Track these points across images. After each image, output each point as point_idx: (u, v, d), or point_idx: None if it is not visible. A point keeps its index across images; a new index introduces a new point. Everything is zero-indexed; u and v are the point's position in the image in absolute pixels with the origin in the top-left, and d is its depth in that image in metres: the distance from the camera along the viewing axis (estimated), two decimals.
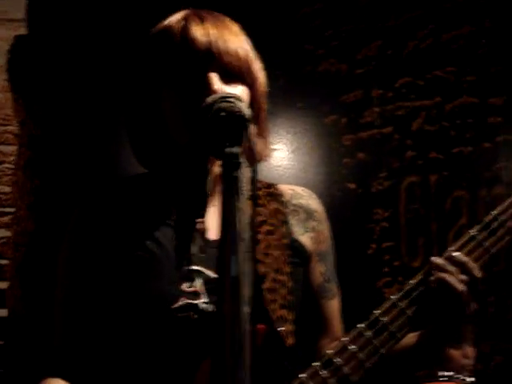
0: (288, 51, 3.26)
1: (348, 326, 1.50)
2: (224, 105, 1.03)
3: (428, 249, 2.98)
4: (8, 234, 3.92)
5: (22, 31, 3.81)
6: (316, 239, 1.42)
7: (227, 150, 0.98)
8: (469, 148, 2.87)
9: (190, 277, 1.22)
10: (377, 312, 1.25)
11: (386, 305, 1.25)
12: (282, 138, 3.21)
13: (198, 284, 1.22)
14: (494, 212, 1.28)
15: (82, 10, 3.35)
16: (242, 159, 0.97)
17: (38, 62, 3.49)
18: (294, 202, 1.42)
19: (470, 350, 2.01)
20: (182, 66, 1.26)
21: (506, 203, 1.28)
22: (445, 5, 2.95)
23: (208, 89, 1.21)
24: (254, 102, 1.30)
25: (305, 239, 1.40)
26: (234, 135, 1.00)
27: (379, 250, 3.00)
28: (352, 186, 3.11)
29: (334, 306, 1.46)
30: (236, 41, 1.30)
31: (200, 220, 1.22)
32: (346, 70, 3.21)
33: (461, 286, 1.22)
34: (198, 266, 1.23)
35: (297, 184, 3.04)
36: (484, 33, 2.86)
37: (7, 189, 3.66)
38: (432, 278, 1.24)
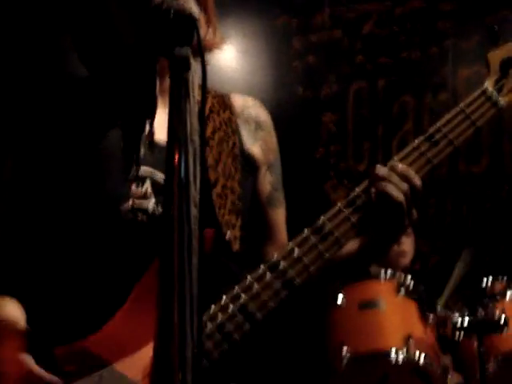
0: None
1: (295, 227, 1.53)
2: (174, 4, 1.01)
3: (373, 153, 3.03)
4: None
5: None
6: (265, 149, 1.43)
7: (177, 50, 0.97)
8: (417, 53, 2.89)
9: (139, 178, 1.21)
10: (323, 218, 1.27)
11: (332, 212, 1.28)
12: (232, 40, 3.17)
13: (147, 186, 1.22)
14: (438, 123, 1.30)
15: None
16: (192, 61, 0.96)
17: None
18: (245, 112, 1.42)
19: (407, 249, 2.10)
20: None
21: (450, 115, 1.30)
22: None
23: None
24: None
25: (255, 149, 1.40)
26: (183, 35, 0.99)
27: (326, 153, 3.04)
28: (301, 89, 3.12)
29: (280, 214, 1.48)
30: None
31: (148, 122, 1.21)
32: None
33: (400, 196, 1.25)
34: (146, 167, 1.22)
35: (245, 86, 3.04)
36: None
37: None
38: (373, 189, 1.27)
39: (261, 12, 3.20)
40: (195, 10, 0.98)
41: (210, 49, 1.32)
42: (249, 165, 1.39)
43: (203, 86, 0.93)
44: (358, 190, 1.25)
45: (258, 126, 1.44)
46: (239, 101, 1.43)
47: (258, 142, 1.43)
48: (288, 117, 3.00)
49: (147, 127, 1.23)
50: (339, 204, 1.26)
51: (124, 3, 1.23)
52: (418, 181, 1.27)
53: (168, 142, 0.92)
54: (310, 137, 3.06)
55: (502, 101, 1.31)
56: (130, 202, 1.21)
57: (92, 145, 1.25)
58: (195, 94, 0.93)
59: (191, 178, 0.89)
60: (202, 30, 1.23)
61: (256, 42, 3.20)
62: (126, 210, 1.21)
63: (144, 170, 1.24)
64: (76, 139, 1.26)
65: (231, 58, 3.16)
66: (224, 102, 1.39)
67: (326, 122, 3.06)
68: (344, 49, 3.05)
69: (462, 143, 1.27)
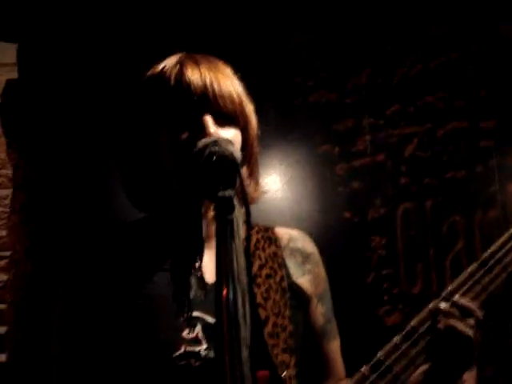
0: (278, 83, 3.28)
1: (350, 357, 1.48)
2: (215, 149, 1.04)
3: (426, 275, 2.97)
4: (5, 277, 3.90)
5: (13, 75, 3.83)
6: (314, 281, 1.43)
7: (220, 193, 0.98)
8: (462, 172, 2.88)
9: (190, 323, 1.21)
10: (379, 354, 1.24)
11: (389, 346, 1.25)
12: (275, 170, 3.22)
13: (198, 330, 1.21)
14: (490, 249, 1.29)
15: (72, 52, 3.37)
16: (236, 202, 0.97)
17: (29, 105, 3.50)
18: (291, 245, 1.42)
19: (471, 376, 1.99)
20: (177, 109, 1.27)
21: (501, 240, 1.29)
22: (432, 32, 2.98)
23: (203, 132, 1.22)
24: (246, 145, 1.31)
25: (303, 282, 1.40)
26: (226, 179, 1.01)
27: (378, 277, 2.99)
28: (347, 214, 3.11)
29: (335, 346, 1.46)
30: (230, 84, 1.31)
31: (197, 264, 1.21)
32: (336, 100, 3.23)
33: (470, 331, 1.22)
34: (197, 311, 1.22)
35: (291, 215, 3.06)
36: (471, 58, 2.89)
37: (3, 232, 3.66)
38: (440, 325, 1.24)
39: (302, 141, 3.25)
40: (237, 154, 1.01)
41: (251, 201, 1.34)
42: (298, 298, 1.38)
43: (248, 225, 0.94)
44: (413, 323, 1.22)
45: (305, 258, 1.44)
46: (284, 233, 1.44)
47: (307, 275, 1.42)
48: (336, 243, 2.99)
49: (196, 270, 1.23)
50: (395, 339, 1.23)
51: (172, 147, 1.26)
52: (480, 313, 1.25)
53: (216, 284, 0.91)
54: (360, 262, 3.03)
55: None
56: (183, 349, 1.20)
57: (142, 292, 1.26)
58: (240, 233, 0.94)
59: (241, 319, 0.87)
60: (249, 186, 1.25)
61: (300, 171, 3.24)
62: (179, 356, 1.20)
63: (195, 313, 1.24)
64: (126, 288, 1.26)
65: (276, 188, 3.20)
66: (269, 236, 1.40)
67: (375, 246, 3.02)
68: (388, 172, 3.06)
69: None
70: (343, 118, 3.21)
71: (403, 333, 1.24)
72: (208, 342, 1.21)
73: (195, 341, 1.21)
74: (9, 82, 3.80)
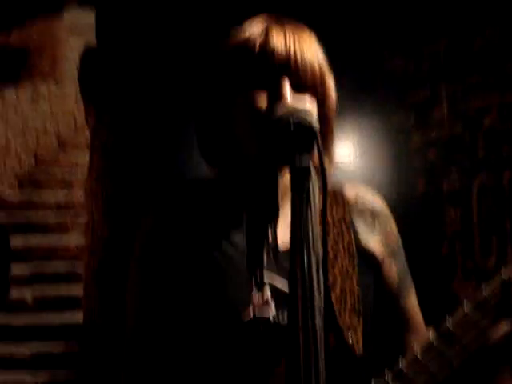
0: (354, 51, 3.25)
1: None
2: (294, 119, 1.05)
3: (502, 248, 2.92)
4: (82, 239, 4.01)
5: (92, 41, 3.90)
6: (385, 241, 1.40)
7: (297, 160, 0.99)
8: None
9: (260, 288, 1.22)
10: (448, 324, 1.23)
11: (458, 316, 1.24)
12: (349, 140, 3.19)
13: (268, 296, 1.22)
14: None
15: (150, 14, 3.40)
16: (312, 171, 0.98)
17: (107, 70, 3.56)
18: (360, 205, 1.40)
19: None
20: (257, 74, 1.28)
21: None
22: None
23: (280, 98, 1.23)
24: (322, 119, 1.30)
25: (373, 244, 1.38)
26: (303, 146, 1.01)
27: (452, 250, 2.96)
28: (422, 186, 3.08)
29: (412, 301, 1.45)
30: (314, 55, 1.30)
31: (270, 230, 1.22)
32: (414, 68, 3.18)
33: None
34: (268, 276, 1.23)
35: (366, 185, 3.04)
36: None
37: (80, 196, 3.76)
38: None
39: (377, 110, 3.22)
40: (315, 123, 1.01)
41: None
42: (367, 261, 1.37)
43: (324, 195, 0.94)
44: (485, 292, 1.21)
45: (375, 217, 1.41)
46: (352, 192, 1.42)
47: (377, 236, 1.41)
48: (410, 214, 2.96)
49: (269, 237, 1.24)
50: (466, 308, 1.22)
51: (249, 111, 1.27)
52: None
53: (291, 252, 0.92)
54: (434, 234, 3.00)
55: None
56: (252, 313, 1.21)
57: (218, 252, 1.28)
58: (316, 200, 0.94)
59: (315, 288, 0.88)
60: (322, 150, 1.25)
61: (374, 141, 3.21)
62: (247, 318, 1.21)
63: (266, 279, 1.24)
64: (201, 247, 1.28)
65: (349, 157, 3.18)
66: (336, 199, 1.39)
67: (450, 218, 2.98)
68: (465, 143, 3.01)
69: None
70: (420, 86, 3.16)
71: (475, 302, 1.23)
72: (277, 308, 1.22)
73: (265, 306, 1.22)
74: (86, 47, 3.88)
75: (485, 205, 2.94)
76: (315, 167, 1.02)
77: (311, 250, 0.91)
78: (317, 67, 1.29)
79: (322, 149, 0.99)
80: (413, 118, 3.17)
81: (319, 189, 1.01)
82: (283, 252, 1.21)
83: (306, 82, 1.27)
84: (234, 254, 1.25)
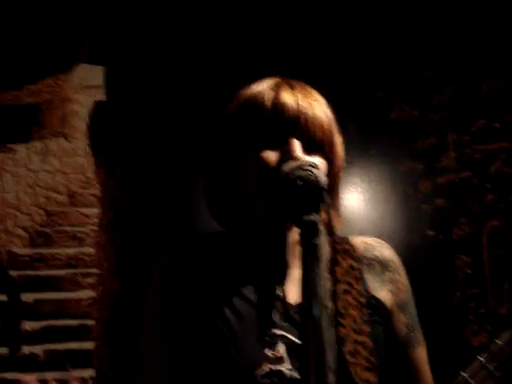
0: (361, 99, 3.27)
1: (436, 378, 1.46)
2: (301, 173, 1.06)
3: None
4: (93, 294, 4.00)
5: (101, 97, 3.96)
6: (395, 291, 1.39)
7: (305, 217, 1.00)
8: None
9: (273, 342, 1.21)
10: (463, 375, 1.22)
11: (473, 367, 1.22)
12: (357, 187, 3.20)
13: (281, 349, 1.21)
14: None
15: (159, 73, 3.45)
16: (321, 226, 0.98)
17: (116, 126, 3.60)
18: (368, 255, 1.39)
19: None
20: (267, 130, 1.28)
21: None
22: None
23: (289, 155, 1.23)
24: (330, 175, 1.31)
25: (383, 294, 1.37)
26: (311, 203, 1.02)
27: (464, 297, 2.93)
28: (432, 232, 3.07)
29: (421, 354, 1.42)
30: (322, 113, 1.31)
31: (280, 286, 1.22)
32: (419, 116, 3.19)
33: None
34: (279, 330, 1.22)
35: (374, 233, 3.03)
36: None
37: (91, 250, 3.77)
38: None
39: (384, 158, 3.23)
40: (323, 178, 1.02)
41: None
42: (378, 313, 1.36)
43: (334, 249, 0.94)
44: (499, 341, 1.20)
45: (384, 266, 1.41)
46: (360, 243, 1.42)
47: (386, 286, 1.40)
48: (421, 261, 2.94)
49: (279, 292, 1.24)
50: (481, 358, 1.20)
51: (258, 169, 1.28)
52: None
53: (302, 309, 0.92)
54: (446, 281, 2.97)
55: None
56: (267, 367, 1.20)
57: (228, 311, 1.27)
58: (326, 257, 0.94)
59: (327, 345, 0.88)
60: (331, 207, 1.26)
61: (382, 188, 3.21)
62: (262, 375, 1.20)
63: (277, 333, 1.24)
64: (211, 304, 1.28)
65: (358, 205, 3.18)
66: (344, 248, 1.38)
67: (461, 265, 2.96)
68: (473, 189, 3.01)
69: None
70: (427, 135, 3.17)
71: (489, 352, 1.21)
72: (292, 362, 1.21)
73: (279, 360, 1.21)
74: (96, 104, 3.93)
75: (495, 250, 2.93)
76: (323, 222, 1.02)
77: (322, 306, 0.91)
78: (326, 125, 1.30)
79: (329, 203, 1.00)
80: (420, 166, 3.17)
81: (328, 243, 1.01)
82: (293, 306, 1.21)
83: (315, 140, 1.28)
84: (245, 309, 1.25)
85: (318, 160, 1.27)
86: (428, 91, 3.15)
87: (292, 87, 1.31)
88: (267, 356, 1.19)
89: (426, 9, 3.14)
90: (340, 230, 1.33)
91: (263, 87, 1.33)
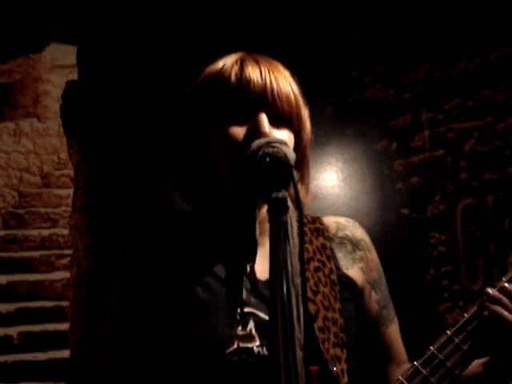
0: (335, 79, 3.27)
1: (410, 355, 1.47)
2: (270, 150, 1.05)
3: (488, 271, 2.92)
4: (67, 275, 3.98)
5: (74, 76, 3.91)
6: (366, 269, 1.41)
7: (274, 194, 0.99)
8: None
9: (243, 320, 1.21)
10: (432, 348, 1.23)
11: (441, 340, 1.23)
12: (333, 166, 3.20)
13: (251, 327, 1.21)
14: None
15: (130, 53, 3.41)
16: (289, 203, 0.98)
17: (89, 106, 3.56)
18: (340, 234, 1.41)
19: None
20: (233, 106, 1.27)
21: None
22: (491, 24, 2.92)
23: (257, 130, 1.23)
24: (298, 149, 1.30)
25: (354, 272, 1.38)
26: (280, 180, 1.01)
27: (438, 274, 2.96)
28: (406, 211, 3.08)
29: (393, 330, 1.44)
30: (288, 86, 1.31)
31: (249, 263, 1.22)
32: (394, 95, 3.19)
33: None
34: (249, 308, 1.22)
35: (349, 211, 3.04)
36: None
37: (65, 231, 3.74)
38: (486, 312, 1.21)
39: (359, 137, 3.23)
40: (291, 155, 1.01)
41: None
42: (349, 290, 1.38)
43: (301, 226, 0.94)
44: (466, 315, 1.21)
45: (355, 245, 1.43)
46: (332, 222, 1.43)
47: (357, 264, 1.42)
48: (395, 239, 2.96)
49: (248, 269, 1.24)
50: (448, 332, 1.22)
51: (226, 145, 1.27)
52: None
53: (270, 286, 0.92)
54: (420, 259, 2.99)
55: None
56: (236, 344, 1.21)
57: (197, 288, 1.27)
58: (294, 233, 0.94)
59: (295, 321, 0.88)
60: (298, 183, 1.26)
61: (357, 167, 3.22)
62: (232, 352, 1.21)
63: (247, 310, 1.24)
64: (180, 283, 1.27)
65: (333, 184, 3.19)
66: (316, 228, 1.39)
67: (435, 243, 2.98)
68: (447, 167, 3.02)
69: None
70: (401, 113, 3.17)
71: (456, 326, 1.22)
72: (261, 338, 1.21)
73: (248, 337, 1.21)
74: (69, 84, 3.88)
75: (469, 228, 2.95)
76: (291, 199, 1.02)
77: (290, 282, 0.91)
78: (292, 98, 1.30)
79: (297, 180, 0.99)
80: (394, 144, 3.18)
81: (297, 220, 1.01)
82: (263, 282, 1.21)
83: (283, 114, 1.27)
84: (215, 286, 1.25)
85: (285, 134, 1.27)
86: (402, 70, 3.15)
87: (257, 61, 1.30)
88: (236, 333, 1.19)
89: None
90: (310, 205, 1.34)
91: (228, 62, 1.32)
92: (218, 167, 1.29)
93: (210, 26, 3.24)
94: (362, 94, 3.25)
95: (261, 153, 1.05)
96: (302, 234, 0.95)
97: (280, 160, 1.03)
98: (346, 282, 1.34)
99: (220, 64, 1.33)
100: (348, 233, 1.41)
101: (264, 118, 1.24)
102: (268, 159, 1.04)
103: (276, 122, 1.27)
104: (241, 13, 3.25)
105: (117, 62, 3.45)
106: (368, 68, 3.23)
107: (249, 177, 1.07)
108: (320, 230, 1.37)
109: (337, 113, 3.25)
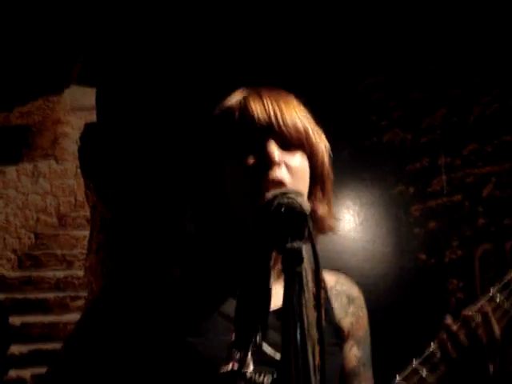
0: (353, 123, 3.28)
1: None
2: (285, 200, 1.04)
3: None
4: None
5: (92, 119, 3.95)
6: (355, 324, 1.44)
7: (289, 244, 0.98)
8: None
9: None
10: (398, 379, 1.24)
11: (407, 370, 1.26)
12: (350, 210, 3.19)
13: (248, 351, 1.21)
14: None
15: (147, 96, 3.45)
16: (305, 253, 0.97)
17: (107, 147, 3.59)
18: (338, 287, 1.45)
19: None
20: (242, 140, 1.29)
21: None
22: (508, 69, 2.93)
23: (267, 159, 1.24)
24: (315, 172, 1.32)
25: (345, 323, 1.41)
26: (295, 230, 1.00)
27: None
28: (423, 256, 3.05)
29: None
30: (294, 113, 1.33)
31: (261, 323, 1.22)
32: (411, 140, 3.19)
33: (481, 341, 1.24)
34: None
35: (365, 255, 3.02)
36: None
37: (80, 273, 3.74)
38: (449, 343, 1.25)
39: (376, 181, 3.22)
40: (306, 204, 1.00)
41: (324, 230, 1.36)
42: (337, 336, 1.40)
43: (317, 277, 0.93)
44: (432, 346, 1.24)
45: (350, 300, 1.47)
46: (330, 277, 1.47)
47: (349, 317, 1.45)
48: (412, 285, 2.93)
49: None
50: (414, 363, 1.24)
51: (239, 178, 1.28)
52: (497, 330, 1.27)
53: (282, 341, 0.90)
54: (437, 305, 2.96)
55: None
56: (230, 366, 1.20)
57: (196, 337, 1.26)
58: (309, 285, 0.93)
59: (311, 374, 0.86)
60: (321, 210, 1.27)
61: (374, 211, 3.20)
62: (225, 374, 1.20)
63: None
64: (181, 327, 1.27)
65: (350, 228, 3.17)
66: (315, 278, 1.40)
67: (453, 289, 2.95)
68: (465, 212, 3.00)
69: None
70: (418, 158, 3.17)
71: (422, 357, 1.26)
72: (255, 364, 1.21)
73: (242, 361, 1.21)
74: (87, 126, 3.92)
75: (487, 274, 2.91)
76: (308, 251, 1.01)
77: (306, 334, 0.89)
78: (299, 124, 1.31)
79: (312, 230, 0.98)
80: (412, 189, 3.17)
81: (312, 271, 0.99)
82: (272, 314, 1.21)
83: (291, 141, 1.29)
84: (220, 338, 1.24)
85: (298, 159, 1.29)
86: (420, 114, 3.16)
87: (259, 94, 1.33)
88: (232, 356, 1.18)
89: (417, 32, 3.15)
90: (334, 230, 1.36)
91: (231, 100, 1.35)
92: (233, 200, 1.30)
93: (221, 67, 3.27)
94: (379, 138, 3.25)
95: (276, 203, 1.05)
96: (318, 285, 0.94)
97: (295, 210, 1.03)
98: (336, 328, 1.37)
99: (226, 103, 1.36)
100: (345, 288, 1.46)
101: (273, 145, 1.26)
102: (283, 209, 1.03)
103: (287, 148, 1.29)
104: (256, 54, 3.28)
105: (135, 105, 3.48)
106: (386, 112, 3.24)
107: (264, 227, 1.07)
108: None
109: (354, 156, 3.25)
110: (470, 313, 1.30)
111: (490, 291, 1.30)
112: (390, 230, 3.16)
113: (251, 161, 1.28)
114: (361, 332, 1.43)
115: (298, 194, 1.08)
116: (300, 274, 0.95)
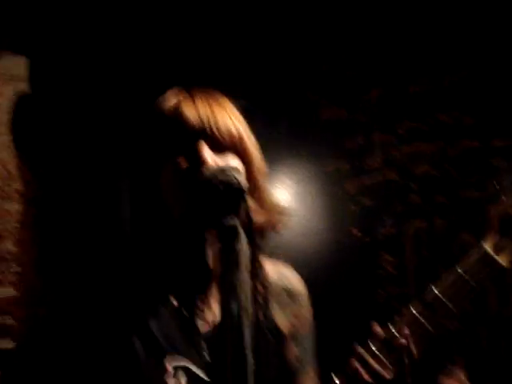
0: (290, 99, 3.28)
1: None
2: (224, 177, 1.04)
3: None
4: (14, 292, 3.88)
5: (23, 88, 3.84)
6: (295, 323, 1.44)
7: (225, 221, 0.98)
8: (474, 191, 2.85)
9: (176, 373, 1.21)
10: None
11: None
12: (285, 186, 3.20)
13: (182, 378, 1.21)
14: (435, 288, 1.37)
15: (82, 64, 3.38)
16: (241, 230, 0.96)
17: (40, 119, 3.51)
18: (279, 283, 1.43)
19: None
20: (176, 144, 1.29)
21: (448, 281, 1.35)
22: (444, 49, 2.96)
23: (199, 160, 1.23)
24: (250, 177, 1.31)
25: (282, 322, 1.40)
26: (229, 206, 1.00)
27: (387, 296, 2.97)
28: (357, 232, 3.09)
29: None
30: (227, 118, 1.33)
31: (202, 298, 1.21)
32: (347, 117, 3.22)
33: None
34: (185, 360, 1.22)
35: (302, 231, 3.04)
36: (483, 76, 2.87)
37: (12, 247, 3.65)
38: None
39: (313, 159, 3.25)
40: (243, 181, 1.00)
41: (273, 230, 1.36)
42: (275, 335, 1.40)
43: (253, 254, 0.92)
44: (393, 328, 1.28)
45: (292, 299, 1.45)
46: (274, 270, 1.45)
47: (289, 317, 1.44)
48: (345, 260, 2.97)
49: (202, 304, 1.22)
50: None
51: (173, 178, 1.27)
52: (414, 349, 1.32)
53: (222, 316, 0.90)
54: (369, 280, 3.01)
55: (505, 262, 1.33)
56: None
57: (143, 328, 1.25)
58: (247, 261, 0.92)
59: (247, 351, 0.86)
60: (257, 217, 1.26)
61: (311, 188, 3.23)
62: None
63: (181, 364, 1.24)
64: (128, 322, 1.26)
65: (286, 204, 3.18)
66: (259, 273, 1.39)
67: (385, 264, 3.00)
68: (399, 190, 3.05)
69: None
70: (354, 135, 3.19)
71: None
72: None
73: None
74: (19, 95, 3.81)
75: (419, 251, 2.97)
76: (243, 226, 1.00)
77: (242, 314, 0.89)
78: (232, 128, 1.31)
79: (249, 206, 0.98)
80: (347, 166, 3.20)
81: (249, 247, 0.99)
82: (206, 333, 1.21)
83: (224, 144, 1.29)
84: (164, 328, 1.23)
85: (231, 159, 1.28)
86: (356, 92, 3.18)
87: (193, 99, 1.33)
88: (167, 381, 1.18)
89: (359, 11, 3.17)
90: (282, 231, 1.35)
91: (164, 104, 1.36)
92: (166, 197, 1.29)
93: (162, 52, 3.22)
94: (316, 115, 3.27)
95: (214, 179, 1.04)
96: (254, 257, 0.94)
97: (234, 186, 1.02)
98: (273, 327, 1.37)
99: (159, 106, 1.36)
100: (287, 283, 1.45)
101: (203, 147, 1.26)
102: (221, 186, 1.03)
103: (220, 151, 1.29)
104: (195, 40, 3.25)
105: (69, 74, 3.41)
106: (323, 90, 3.25)
107: (199, 204, 1.06)
108: (261, 277, 1.37)
109: (292, 133, 3.26)
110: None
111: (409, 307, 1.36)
112: (325, 206, 3.19)
113: (184, 163, 1.28)
114: (301, 330, 1.43)
115: (236, 170, 1.08)
116: (235, 250, 0.95)
